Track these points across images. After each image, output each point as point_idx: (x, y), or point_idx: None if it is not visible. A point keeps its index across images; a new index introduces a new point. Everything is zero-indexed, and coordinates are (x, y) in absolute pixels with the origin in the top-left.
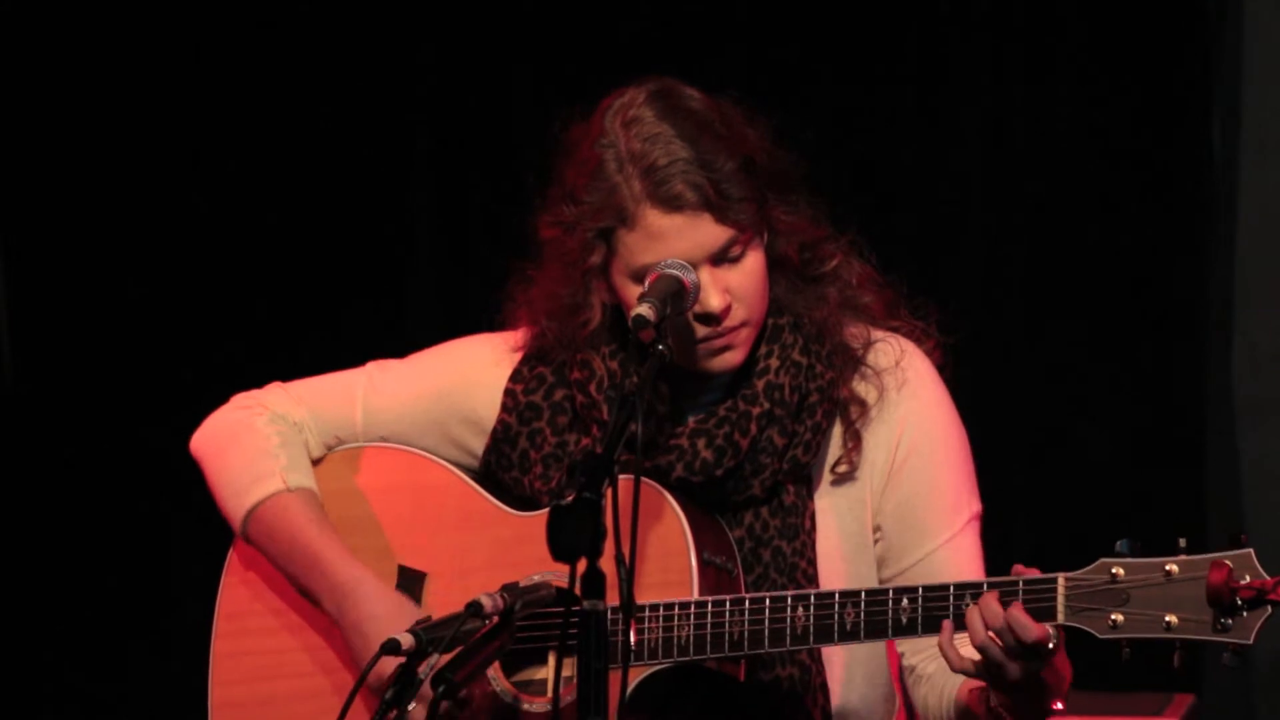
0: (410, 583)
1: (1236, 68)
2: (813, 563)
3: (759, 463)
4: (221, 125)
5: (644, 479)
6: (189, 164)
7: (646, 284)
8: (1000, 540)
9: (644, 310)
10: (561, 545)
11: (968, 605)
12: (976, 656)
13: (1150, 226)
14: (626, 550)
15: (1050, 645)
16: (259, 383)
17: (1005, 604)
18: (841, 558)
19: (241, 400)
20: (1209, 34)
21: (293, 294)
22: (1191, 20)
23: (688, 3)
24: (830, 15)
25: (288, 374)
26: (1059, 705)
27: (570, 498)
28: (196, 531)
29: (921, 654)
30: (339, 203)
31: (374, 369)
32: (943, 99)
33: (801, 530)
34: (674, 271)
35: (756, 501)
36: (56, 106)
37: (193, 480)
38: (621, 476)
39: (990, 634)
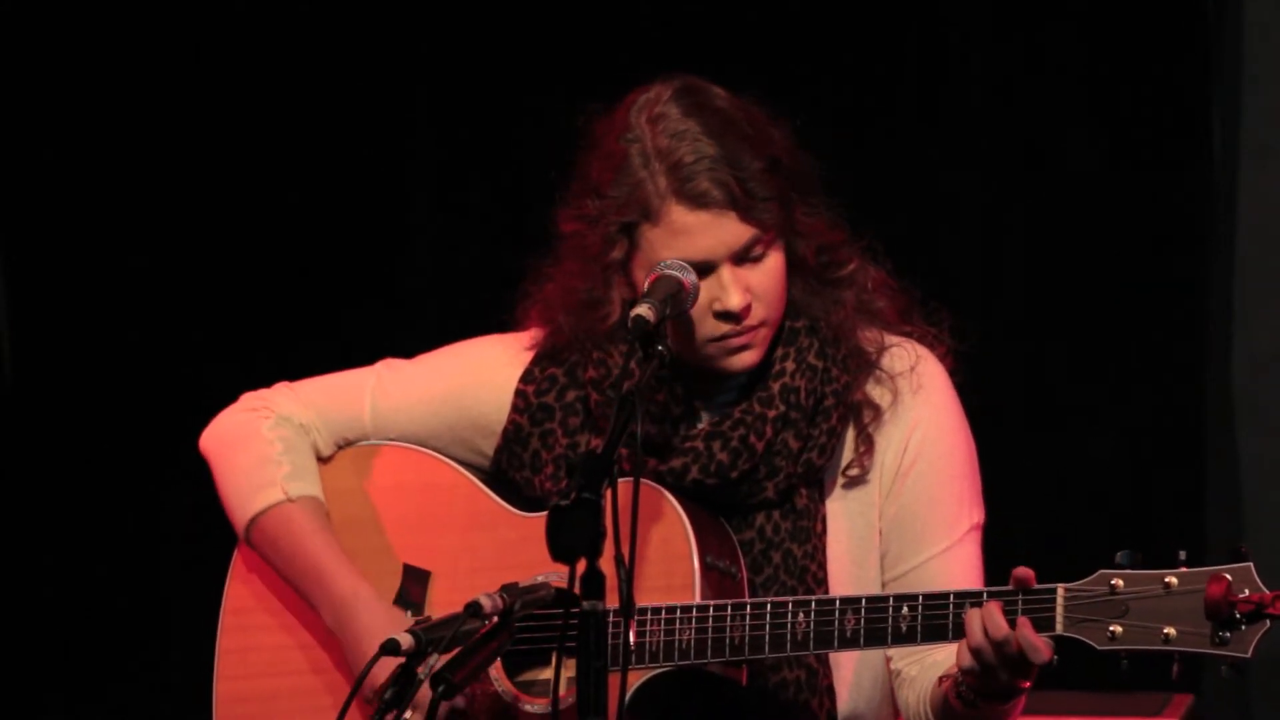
0: (415, 582)
1: (1236, 68)
2: (823, 566)
3: (774, 465)
4: (222, 124)
5: (648, 483)
6: (189, 162)
7: (646, 284)
8: (998, 541)
9: (643, 311)
10: (560, 545)
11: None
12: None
13: (1150, 227)
14: (626, 551)
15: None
16: (260, 380)
17: (1010, 618)
18: (852, 561)
19: (249, 401)
20: (1209, 34)
21: (293, 292)
22: (1191, 20)
23: (689, 3)
24: (829, 14)
25: (288, 371)
26: (1026, 684)
27: (571, 498)
28: (197, 530)
29: (908, 658)
30: (339, 199)
31: (383, 369)
32: (941, 99)
33: (813, 534)
34: (673, 273)
35: (769, 504)
36: (55, 104)
37: (194, 478)
38: (622, 480)
39: (987, 642)
